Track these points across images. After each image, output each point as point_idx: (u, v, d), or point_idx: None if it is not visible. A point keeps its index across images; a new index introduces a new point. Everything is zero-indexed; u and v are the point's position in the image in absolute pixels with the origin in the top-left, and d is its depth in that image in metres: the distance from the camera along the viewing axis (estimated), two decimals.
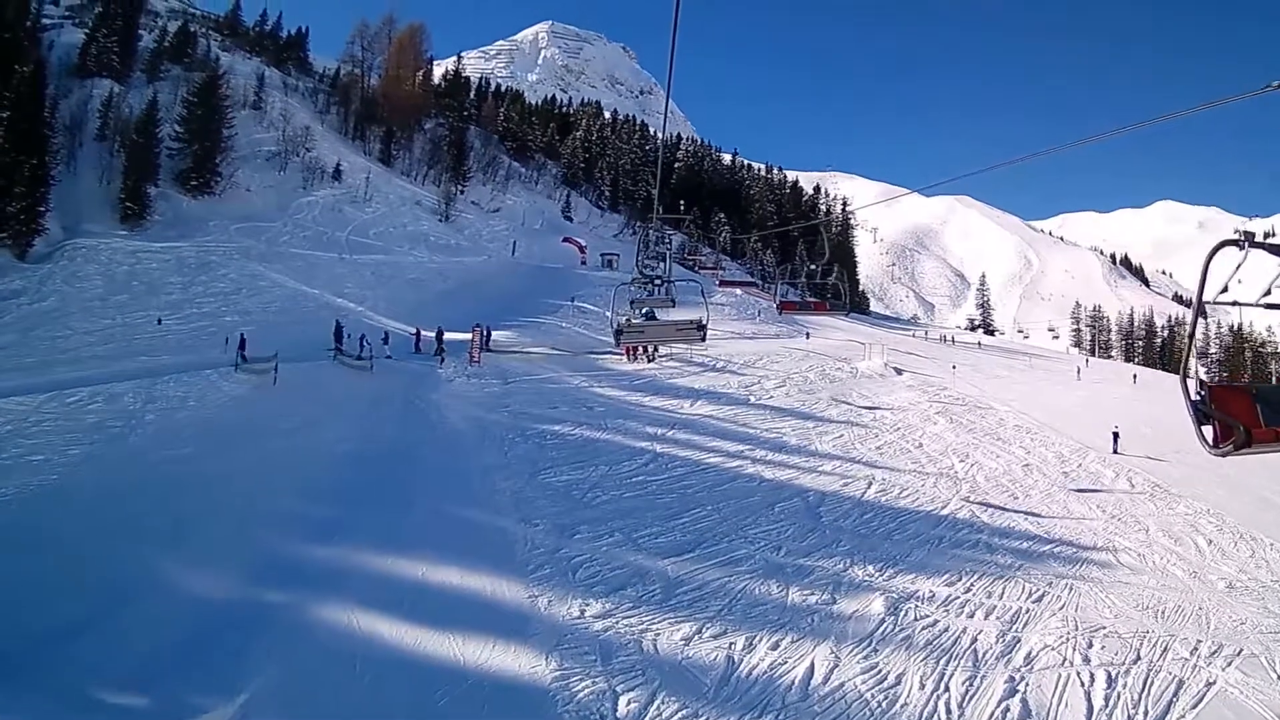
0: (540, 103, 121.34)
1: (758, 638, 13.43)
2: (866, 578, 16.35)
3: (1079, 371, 56.56)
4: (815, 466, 24.12)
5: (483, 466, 21.27)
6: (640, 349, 36.08)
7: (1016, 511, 21.71)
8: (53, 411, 20.80)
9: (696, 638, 13.29)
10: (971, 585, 16.28)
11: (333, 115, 72.41)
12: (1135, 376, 59.04)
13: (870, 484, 22.85)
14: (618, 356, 36.71)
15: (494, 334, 36.89)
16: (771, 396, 32.76)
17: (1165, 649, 13.86)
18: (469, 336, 33.30)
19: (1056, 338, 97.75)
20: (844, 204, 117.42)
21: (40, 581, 12.60)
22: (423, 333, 34.76)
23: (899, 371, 41.74)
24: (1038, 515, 21.30)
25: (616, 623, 13.52)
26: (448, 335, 33.63)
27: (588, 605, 14.01)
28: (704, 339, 12.63)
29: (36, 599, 12.14)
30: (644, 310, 13.97)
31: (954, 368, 45.68)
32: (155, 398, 22.81)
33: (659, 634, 13.28)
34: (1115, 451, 28.80)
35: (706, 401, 30.68)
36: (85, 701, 10.35)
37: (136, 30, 59.03)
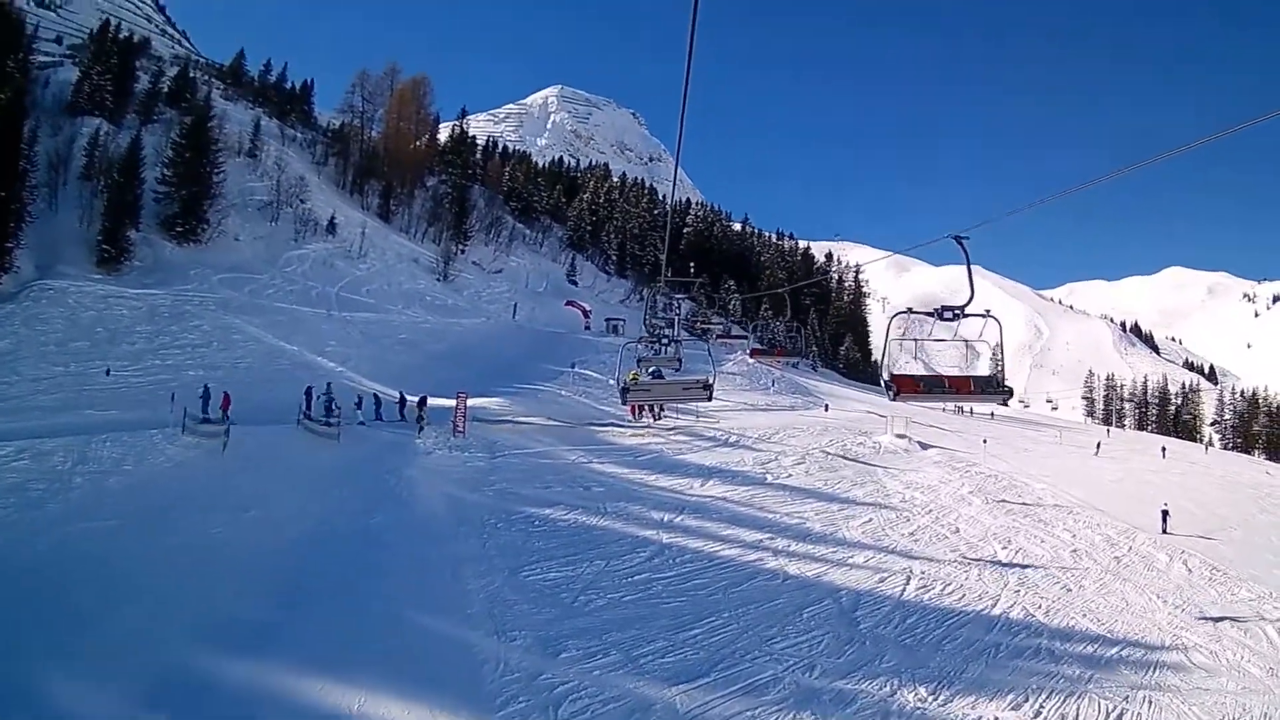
0: (548, 164, 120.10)
1: None
2: (919, 704, 13.70)
3: (1099, 446, 53.24)
4: (845, 558, 21.26)
5: (456, 558, 18.14)
6: (646, 408, 34.77)
7: (1074, 606, 19.30)
8: None
9: None
10: (1042, 707, 13.87)
11: (330, 167, 70.48)
12: (1164, 449, 56.27)
13: (909, 579, 20.14)
14: (620, 429, 34.35)
15: (485, 401, 34.00)
16: (790, 475, 30.07)
17: None
18: (454, 403, 30.26)
19: (1055, 408, 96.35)
20: (856, 270, 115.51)
21: None
22: (407, 398, 31.53)
23: (924, 446, 39.00)
24: (1097, 611, 19.02)
25: None
26: (434, 402, 30.57)
27: None
28: (710, 398, 11.79)
29: None
30: (650, 369, 13.41)
31: (985, 442, 42.79)
32: (88, 458, 20.28)
33: None
34: (1164, 531, 27.27)
35: (719, 481, 27.93)
36: None
37: (133, 71, 58.02)
